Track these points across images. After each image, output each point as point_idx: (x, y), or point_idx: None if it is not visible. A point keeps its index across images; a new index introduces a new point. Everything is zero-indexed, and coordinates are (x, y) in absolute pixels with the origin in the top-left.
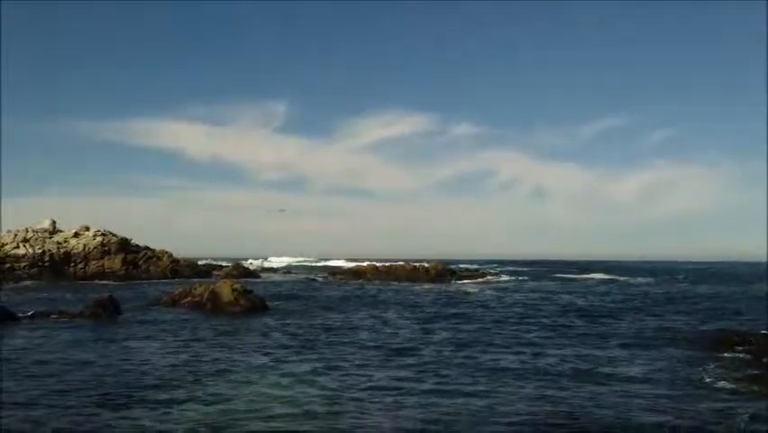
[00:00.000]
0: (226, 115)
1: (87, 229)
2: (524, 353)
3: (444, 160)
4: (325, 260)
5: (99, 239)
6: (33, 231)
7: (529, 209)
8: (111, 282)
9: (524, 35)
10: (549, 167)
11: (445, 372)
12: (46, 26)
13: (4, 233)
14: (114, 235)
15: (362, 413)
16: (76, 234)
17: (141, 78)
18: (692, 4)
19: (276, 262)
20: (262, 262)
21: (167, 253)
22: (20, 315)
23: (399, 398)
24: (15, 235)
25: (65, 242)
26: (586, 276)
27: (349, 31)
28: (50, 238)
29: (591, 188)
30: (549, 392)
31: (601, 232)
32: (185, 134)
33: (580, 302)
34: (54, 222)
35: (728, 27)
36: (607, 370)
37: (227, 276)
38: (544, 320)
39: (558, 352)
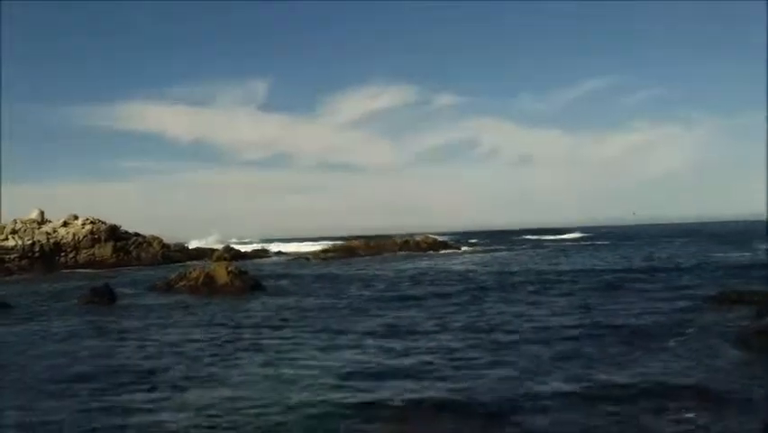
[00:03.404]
0: (208, 96)
1: (76, 218)
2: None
3: (428, 130)
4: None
5: (88, 227)
6: (22, 222)
7: (514, 176)
8: (103, 271)
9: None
10: (532, 133)
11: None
12: (27, 13)
13: None
14: (102, 223)
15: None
16: (64, 224)
17: (122, 63)
18: None
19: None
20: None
21: (157, 238)
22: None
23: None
24: (4, 227)
25: (54, 232)
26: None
27: (327, 5)
28: (39, 229)
29: (575, 152)
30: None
31: (588, 196)
32: (166, 116)
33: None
34: (42, 212)
35: None
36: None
37: (219, 258)
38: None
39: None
